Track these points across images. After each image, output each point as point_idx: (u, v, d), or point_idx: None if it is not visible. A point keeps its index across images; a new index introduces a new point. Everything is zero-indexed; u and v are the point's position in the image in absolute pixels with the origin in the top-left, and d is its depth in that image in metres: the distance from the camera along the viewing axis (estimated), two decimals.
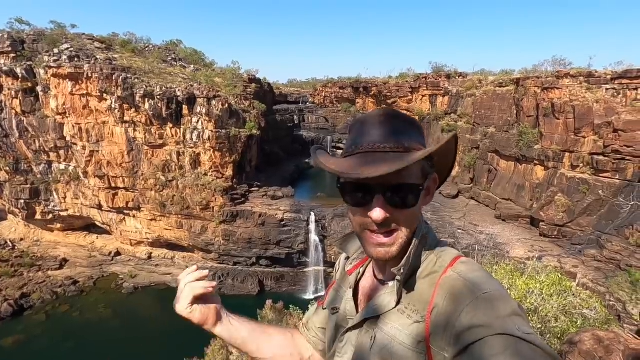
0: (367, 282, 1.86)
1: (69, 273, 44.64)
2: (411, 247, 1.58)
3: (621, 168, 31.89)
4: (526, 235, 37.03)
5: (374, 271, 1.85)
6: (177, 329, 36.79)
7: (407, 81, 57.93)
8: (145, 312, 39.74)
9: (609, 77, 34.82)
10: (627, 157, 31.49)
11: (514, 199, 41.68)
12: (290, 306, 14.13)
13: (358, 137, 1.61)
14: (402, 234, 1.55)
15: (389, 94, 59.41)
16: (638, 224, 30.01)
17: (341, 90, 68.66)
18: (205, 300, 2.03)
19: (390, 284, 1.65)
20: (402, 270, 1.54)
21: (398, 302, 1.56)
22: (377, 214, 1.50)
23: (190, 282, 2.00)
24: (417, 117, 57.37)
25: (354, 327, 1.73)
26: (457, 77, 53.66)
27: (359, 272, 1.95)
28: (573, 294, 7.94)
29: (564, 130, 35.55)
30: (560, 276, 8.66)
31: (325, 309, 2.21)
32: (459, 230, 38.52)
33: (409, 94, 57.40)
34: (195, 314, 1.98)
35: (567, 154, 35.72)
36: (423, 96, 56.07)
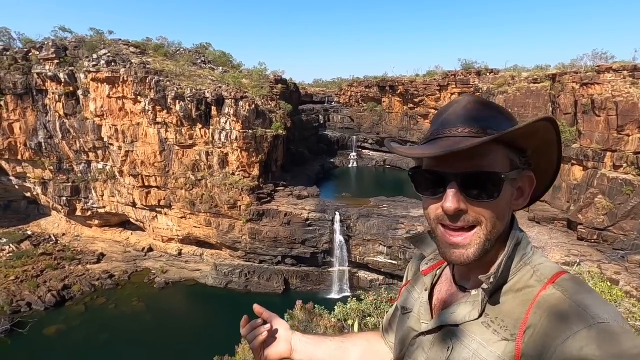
0: (444, 286, 1.72)
1: (106, 267, 47.00)
2: (503, 254, 1.43)
3: None
4: (563, 239, 35.17)
5: (453, 275, 1.70)
6: (207, 325, 37.92)
7: (434, 79, 56.65)
8: (175, 307, 41.19)
9: None
10: None
11: (550, 201, 39.72)
12: (320, 307, 14.03)
13: (439, 123, 1.49)
14: (480, 234, 1.38)
15: (416, 92, 58.33)
16: None
17: (367, 90, 68.09)
18: (274, 336, 2.04)
19: (474, 292, 1.48)
20: (491, 280, 1.38)
21: (481, 314, 1.41)
22: (449, 203, 1.35)
23: (251, 337, 1.99)
24: None
25: (428, 332, 1.61)
26: (487, 74, 51.85)
27: (435, 274, 1.80)
28: (632, 305, 7.11)
29: (606, 128, 33.46)
30: (609, 285, 7.77)
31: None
32: None
33: (437, 92, 56.08)
34: (271, 357, 2.00)
35: (608, 153, 33.60)
36: (452, 94, 54.59)
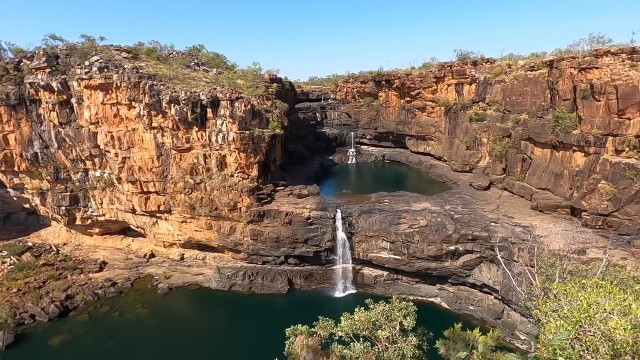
0: None
1: (108, 275, 46.75)
2: None
3: None
4: (566, 226, 34.81)
5: None
6: (213, 328, 37.67)
7: (431, 71, 56.12)
8: (180, 312, 40.97)
9: None
10: None
11: (552, 188, 39.37)
12: (325, 318, 12.81)
13: None
14: None
15: (412, 85, 57.83)
16: None
17: (363, 85, 67.57)
18: None
19: None
20: None
21: None
22: None
23: None
24: (442, 108, 55.57)
25: None
26: (484, 64, 51.35)
27: None
28: None
29: (606, 113, 33.06)
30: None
31: None
32: (492, 223, 36.87)
33: (434, 84, 55.60)
34: None
35: (610, 138, 33.22)
36: (449, 85, 54.16)
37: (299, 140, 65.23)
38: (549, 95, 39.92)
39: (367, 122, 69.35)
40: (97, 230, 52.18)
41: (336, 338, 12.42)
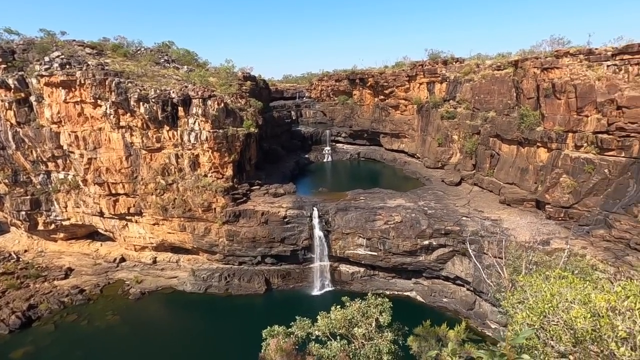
0: None
1: (75, 282, 44.57)
2: None
3: (626, 145, 31.31)
4: (532, 219, 36.60)
5: None
6: (189, 332, 36.71)
7: (403, 70, 57.15)
8: (153, 317, 39.68)
9: (609, 53, 34.07)
10: (632, 134, 30.89)
11: (518, 183, 41.20)
12: (302, 319, 12.77)
13: None
14: None
15: (385, 84, 58.70)
16: None
17: (337, 83, 67.87)
18: None
19: None
20: None
21: None
22: None
23: None
24: (415, 106, 56.76)
25: None
26: (454, 63, 52.87)
27: None
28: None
29: (566, 110, 34.92)
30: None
31: None
32: (464, 218, 38.13)
33: (406, 83, 56.67)
34: None
35: (570, 134, 35.12)
36: (420, 84, 55.36)
37: (274, 138, 64.69)
38: (515, 94, 41.69)
39: (342, 120, 69.76)
40: (61, 235, 49.57)
41: (313, 337, 12.44)
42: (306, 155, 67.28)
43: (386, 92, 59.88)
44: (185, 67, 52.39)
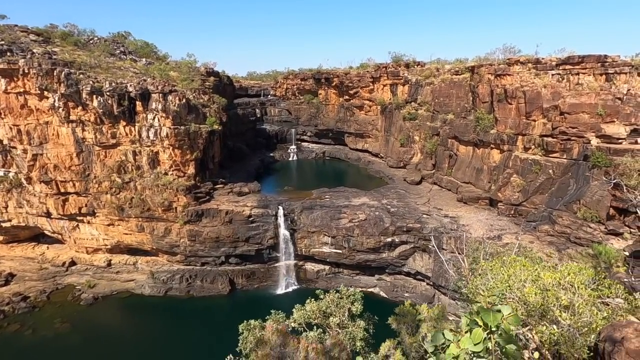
0: None
1: (17, 289, 40.94)
2: None
3: (568, 148, 34.25)
4: (486, 216, 38.93)
5: None
6: (146, 337, 35.04)
7: (367, 71, 58.40)
8: (108, 323, 37.42)
9: (554, 63, 37.09)
10: (573, 138, 33.87)
11: (474, 182, 43.63)
12: (277, 311, 13.49)
13: None
14: None
15: (350, 84, 59.65)
16: (584, 198, 32.47)
17: (303, 82, 67.92)
18: None
19: None
20: None
21: None
22: None
23: None
24: (379, 107, 58.21)
25: None
26: (415, 66, 54.86)
27: None
28: (600, 284, 7.71)
29: (517, 115, 37.51)
30: (579, 266, 8.31)
31: None
32: (424, 215, 39.76)
33: (370, 84, 57.97)
34: None
35: (520, 137, 37.79)
36: (384, 85, 56.87)
37: (238, 136, 63.48)
38: (471, 98, 44.12)
39: (308, 120, 69.95)
40: (0, 238, 45.34)
41: (289, 329, 12.72)
42: (271, 154, 66.71)
43: (351, 92, 60.85)
44: (144, 59, 49.95)
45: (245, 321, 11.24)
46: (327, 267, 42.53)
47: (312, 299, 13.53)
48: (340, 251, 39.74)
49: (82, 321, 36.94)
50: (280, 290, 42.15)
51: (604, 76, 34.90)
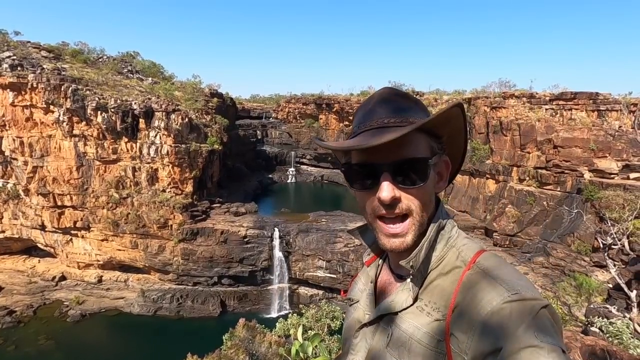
0: (384, 275, 1.76)
1: (4, 302, 40.05)
2: (425, 237, 1.47)
3: (561, 181, 34.84)
4: (482, 245, 38.87)
5: (389, 264, 1.75)
6: (128, 358, 34.11)
7: None
8: (94, 341, 36.42)
9: (547, 98, 38.39)
10: (566, 171, 34.53)
11: (469, 211, 43.91)
12: (262, 325, 13.69)
13: (364, 116, 1.53)
14: (415, 220, 1.44)
15: (351, 110, 61.01)
16: (578, 231, 32.71)
17: (304, 106, 69.45)
18: None
19: (408, 279, 1.52)
20: (411, 264, 1.44)
21: (415, 299, 1.47)
22: (385, 192, 1.38)
23: None
24: None
25: (370, 323, 1.64)
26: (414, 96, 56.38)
27: (379, 265, 1.85)
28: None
29: (512, 146, 38.37)
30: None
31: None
32: None
33: None
34: None
35: (515, 168, 38.47)
36: None
37: (238, 157, 64.16)
38: (468, 129, 45.12)
39: (307, 143, 70.96)
40: None
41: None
42: (270, 175, 67.20)
43: (351, 118, 62.12)
44: (150, 79, 51.28)
45: (231, 328, 11.36)
46: (320, 292, 41.94)
47: (294, 314, 13.74)
48: (334, 276, 39.37)
49: (67, 338, 35.96)
50: (272, 314, 41.36)
51: (595, 112, 36.04)
